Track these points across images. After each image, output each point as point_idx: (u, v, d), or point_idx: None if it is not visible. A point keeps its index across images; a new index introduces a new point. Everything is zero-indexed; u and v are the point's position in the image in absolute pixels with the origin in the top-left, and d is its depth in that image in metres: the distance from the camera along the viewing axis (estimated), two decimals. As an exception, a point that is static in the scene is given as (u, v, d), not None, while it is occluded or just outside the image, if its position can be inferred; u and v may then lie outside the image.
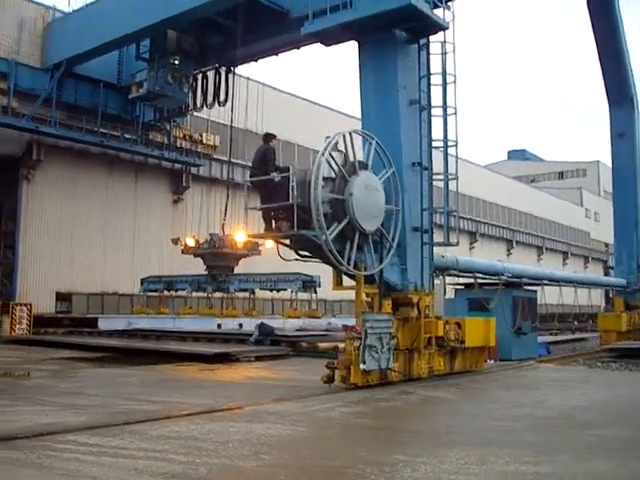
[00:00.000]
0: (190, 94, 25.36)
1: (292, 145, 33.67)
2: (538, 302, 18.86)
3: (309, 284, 21.06)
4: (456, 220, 14.73)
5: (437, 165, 13.36)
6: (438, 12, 12.93)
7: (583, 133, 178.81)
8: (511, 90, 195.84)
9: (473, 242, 49.26)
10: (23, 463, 5.71)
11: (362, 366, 10.58)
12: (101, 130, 26.54)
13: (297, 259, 11.70)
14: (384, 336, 11.02)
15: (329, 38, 13.68)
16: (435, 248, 13.40)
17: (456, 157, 13.21)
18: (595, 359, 18.03)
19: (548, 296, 19.58)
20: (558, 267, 54.85)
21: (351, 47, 13.60)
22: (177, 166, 30.52)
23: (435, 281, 13.56)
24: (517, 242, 55.87)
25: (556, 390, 11.64)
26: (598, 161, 76.85)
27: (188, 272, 24.68)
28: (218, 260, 22.03)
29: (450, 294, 17.42)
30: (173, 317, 25.30)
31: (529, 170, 78.10)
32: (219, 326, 23.91)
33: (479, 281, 16.56)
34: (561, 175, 79.30)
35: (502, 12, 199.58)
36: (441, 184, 13.46)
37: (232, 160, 25.97)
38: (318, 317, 23.29)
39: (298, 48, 22.42)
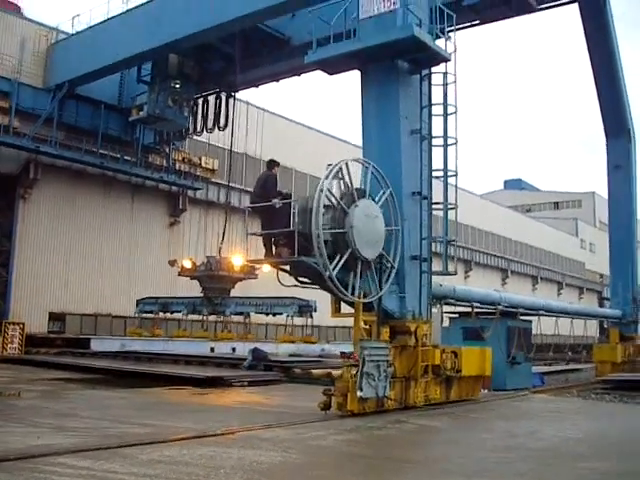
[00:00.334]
0: (190, 118, 25.55)
1: (289, 170, 33.81)
2: (534, 332, 18.85)
3: (305, 309, 21.02)
4: (454, 249, 14.73)
5: (435, 194, 13.41)
6: (440, 43, 13.06)
7: (587, 161, 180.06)
8: (508, 119, 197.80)
9: (468, 271, 49.37)
10: (13, 485, 5.61)
11: (359, 393, 10.49)
12: (101, 151, 26.63)
13: (296, 285, 11.71)
14: (382, 364, 10.96)
15: (332, 67, 13.78)
16: (433, 277, 13.40)
17: (455, 187, 13.27)
18: (589, 390, 17.96)
19: (544, 326, 19.59)
20: (553, 297, 54.90)
21: (353, 75, 13.73)
22: (174, 188, 30.60)
23: (433, 309, 13.53)
24: (512, 271, 56.08)
25: (549, 421, 11.55)
26: (594, 192, 77.48)
27: (184, 294, 24.62)
28: (214, 282, 22.02)
29: (445, 322, 17.35)
30: (166, 340, 25.18)
31: (525, 200, 78.65)
32: (212, 349, 23.82)
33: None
34: (557, 205, 79.87)
35: (499, 41, 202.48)
36: (439, 212, 13.50)
37: (230, 184, 26.07)
38: (313, 342, 23.20)
39: (299, 75, 22.70)
